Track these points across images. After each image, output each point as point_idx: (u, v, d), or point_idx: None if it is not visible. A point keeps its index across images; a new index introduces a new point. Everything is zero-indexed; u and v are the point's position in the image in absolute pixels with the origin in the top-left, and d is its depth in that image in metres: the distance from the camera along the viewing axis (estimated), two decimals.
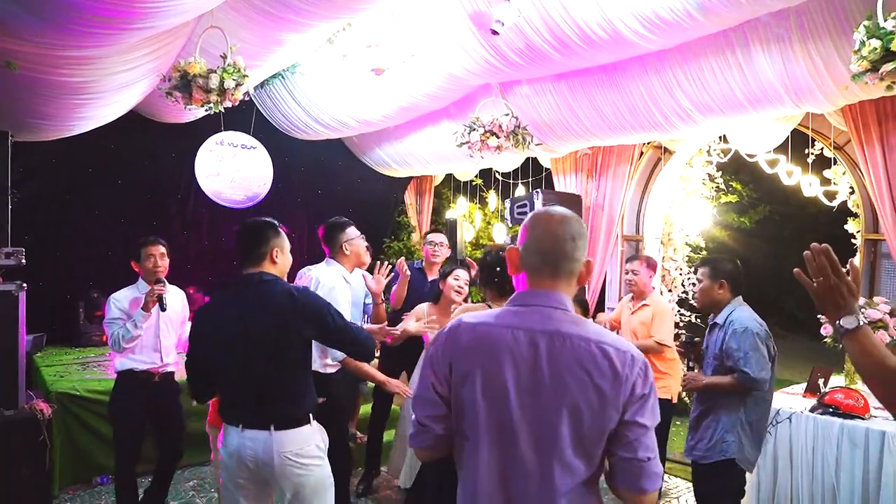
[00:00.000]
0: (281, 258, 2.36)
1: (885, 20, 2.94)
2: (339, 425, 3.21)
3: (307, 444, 2.24)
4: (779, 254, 11.44)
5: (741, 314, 2.89)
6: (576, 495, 1.39)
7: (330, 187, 7.92)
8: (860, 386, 3.44)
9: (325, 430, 2.38)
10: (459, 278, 3.65)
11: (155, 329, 3.48)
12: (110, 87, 4.27)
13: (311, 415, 2.30)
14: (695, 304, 4.67)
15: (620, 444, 1.38)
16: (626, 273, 3.85)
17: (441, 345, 1.50)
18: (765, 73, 3.90)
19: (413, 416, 1.54)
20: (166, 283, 3.49)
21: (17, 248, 3.33)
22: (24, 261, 3.38)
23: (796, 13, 3.61)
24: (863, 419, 3.07)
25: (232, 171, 6.39)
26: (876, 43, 2.94)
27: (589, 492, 1.41)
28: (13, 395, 3.27)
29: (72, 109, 4.55)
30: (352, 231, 3.40)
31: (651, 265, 4.17)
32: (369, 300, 3.73)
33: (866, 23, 3.01)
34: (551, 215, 1.53)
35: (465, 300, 3.73)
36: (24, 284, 3.33)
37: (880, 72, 2.98)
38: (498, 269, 2.79)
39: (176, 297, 3.62)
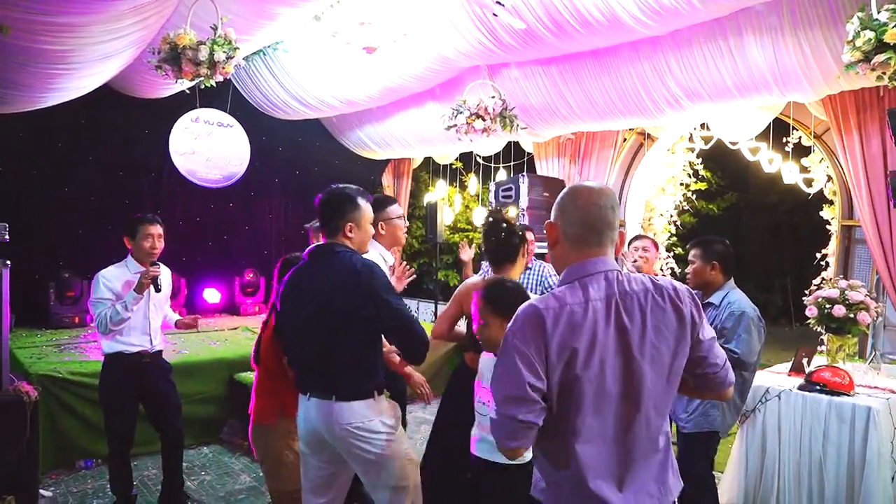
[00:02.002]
0: (356, 233, 2.31)
1: (879, 12, 3.04)
2: None
3: (370, 419, 2.19)
4: (741, 240, 11.81)
5: (738, 296, 2.99)
6: (665, 434, 1.54)
7: (307, 168, 7.80)
8: (842, 364, 3.59)
9: (397, 408, 2.33)
10: None
11: (144, 311, 3.35)
12: (91, 58, 4.09)
13: (376, 391, 2.25)
14: None
15: (700, 363, 1.55)
16: (636, 251, 3.85)
17: (529, 336, 1.42)
18: (755, 61, 4.00)
19: (507, 415, 1.42)
20: (159, 263, 3.37)
21: (0, 224, 3.16)
22: (7, 236, 3.21)
23: (789, 3, 3.70)
24: (848, 395, 3.21)
25: (207, 149, 6.19)
26: (869, 34, 3.03)
27: (667, 426, 1.56)
28: None
29: (46, 79, 4.33)
30: (393, 210, 3.18)
31: (656, 245, 4.23)
32: None
33: (860, 14, 3.10)
34: (591, 188, 1.56)
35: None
36: (8, 262, 3.17)
37: (872, 62, 3.08)
38: (496, 233, 2.77)
39: (166, 277, 3.51)
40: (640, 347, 1.45)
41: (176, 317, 3.62)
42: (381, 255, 3.12)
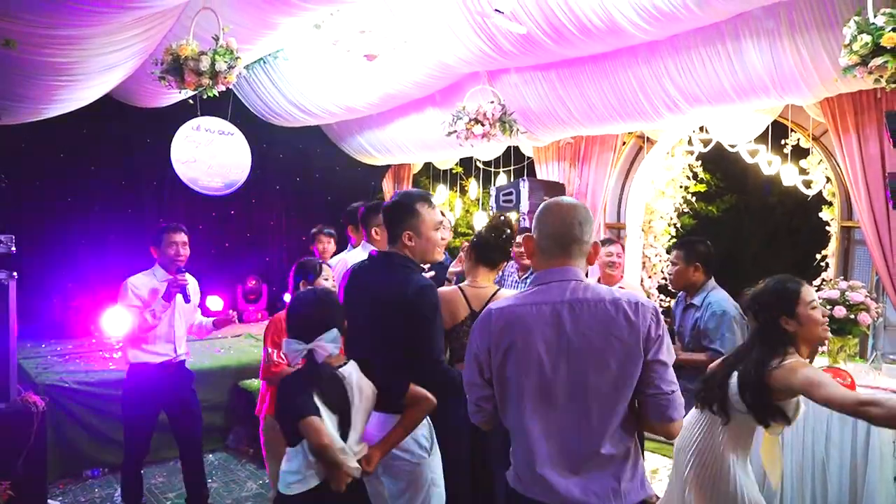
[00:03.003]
0: (416, 241, 2.23)
1: (875, 16, 3.07)
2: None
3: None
4: (741, 241, 11.84)
5: (718, 296, 3.04)
6: (616, 437, 1.57)
7: (308, 175, 7.83)
8: (843, 365, 3.62)
9: (432, 427, 2.25)
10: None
11: (170, 319, 3.39)
12: (94, 69, 4.13)
13: None
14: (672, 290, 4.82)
15: (646, 382, 1.57)
16: (609, 256, 3.88)
17: (478, 335, 1.70)
18: (753, 64, 4.03)
19: (467, 396, 1.77)
20: (185, 272, 3.42)
21: (6, 236, 3.19)
22: (14, 248, 3.24)
23: (786, 7, 3.74)
24: None
25: (209, 157, 6.21)
26: (866, 38, 3.07)
27: (626, 432, 1.59)
28: (6, 387, 3.15)
29: (50, 91, 4.37)
30: None
31: (623, 249, 4.28)
32: None
33: (857, 18, 3.13)
34: (560, 204, 1.72)
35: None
36: (15, 274, 3.20)
37: (869, 66, 3.11)
38: (493, 232, 2.78)
39: (193, 287, 3.55)
40: (582, 350, 1.56)
41: (209, 320, 3.65)
42: None
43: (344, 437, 1.91)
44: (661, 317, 1.61)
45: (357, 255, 3.29)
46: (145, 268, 3.49)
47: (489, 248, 2.75)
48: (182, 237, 3.45)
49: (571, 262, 1.65)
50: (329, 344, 1.95)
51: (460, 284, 2.79)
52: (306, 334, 1.96)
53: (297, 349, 1.95)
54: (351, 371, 2.02)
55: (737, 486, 2.12)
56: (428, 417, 2.21)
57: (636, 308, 1.57)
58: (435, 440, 2.26)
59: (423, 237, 2.25)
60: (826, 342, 2.30)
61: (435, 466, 2.25)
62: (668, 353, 1.60)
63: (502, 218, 2.87)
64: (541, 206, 1.75)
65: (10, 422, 3.18)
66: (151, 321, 3.22)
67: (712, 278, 3.13)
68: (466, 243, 4.95)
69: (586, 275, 1.73)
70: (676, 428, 1.63)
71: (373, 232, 3.30)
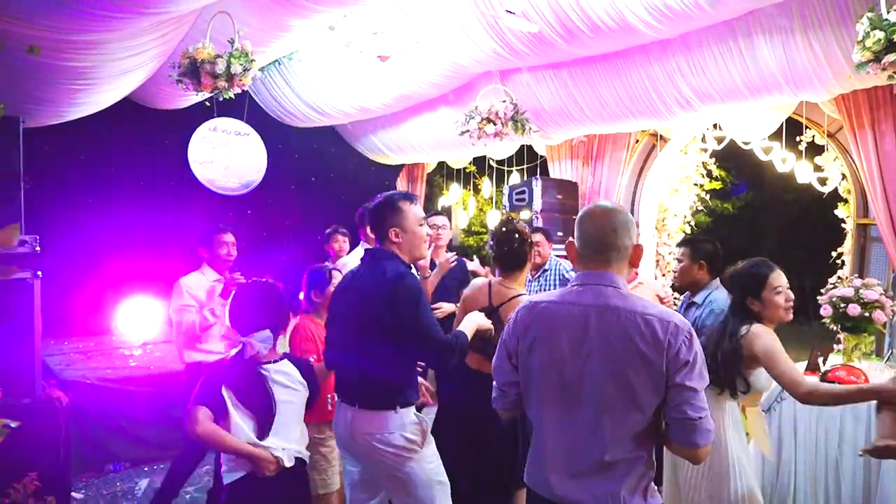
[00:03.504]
0: (403, 237, 2.28)
1: (888, 12, 3.06)
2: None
3: (390, 431, 2.17)
4: (758, 239, 11.74)
5: (720, 296, 3.01)
6: (624, 447, 1.56)
7: (323, 174, 7.91)
8: (857, 363, 3.60)
9: (424, 423, 2.27)
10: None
11: (223, 318, 3.47)
12: (113, 73, 4.22)
13: (399, 405, 2.19)
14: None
15: (672, 405, 1.55)
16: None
17: (512, 323, 1.76)
18: (766, 61, 4.02)
19: (494, 383, 1.82)
20: (238, 271, 3.54)
21: (31, 236, 3.28)
22: (38, 248, 3.34)
23: (798, 4, 3.72)
24: None
25: (225, 158, 6.30)
26: (879, 34, 3.06)
27: (636, 444, 1.57)
28: (31, 383, 3.25)
29: (70, 94, 4.47)
30: None
31: None
32: None
33: (870, 14, 3.12)
34: (596, 211, 1.74)
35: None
36: (39, 273, 3.30)
37: (883, 62, 3.10)
38: (505, 245, 2.82)
39: None
40: (602, 357, 1.57)
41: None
42: None
43: (263, 431, 2.02)
44: (697, 343, 1.57)
45: (356, 255, 3.38)
46: (164, 267, 3.59)
47: (505, 259, 2.83)
48: (231, 238, 3.59)
49: (610, 267, 1.66)
50: (259, 343, 2.05)
51: (492, 280, 2.88)
52: (242, 327, 2.08)
53: (234, 339, 2.09)
54: (280, 370, 2.11)
55: (730, 457, 2.34)
56: (414, 408, 2.26)
57: (667, 327, 1.54)
58: (427, 431, 2.27)
59: (408, 232, 2.30)
60: (785, 321, 2.43)
61: (431, 458, 2.26)
62: (699, 378, 1.55)
63: (506, 227, 2.87)
64: (581, 211, 1.78)
65: (36, 416, 3.26)
66: (212, 319, 3.31)
67: (717, 279, 3.12)
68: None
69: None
70: (701, 454, 1.59)
71: (368, 230, 3.42)
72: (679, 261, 3.19)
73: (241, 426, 2.00)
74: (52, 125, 5.22)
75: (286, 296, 2.28)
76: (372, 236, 3.50)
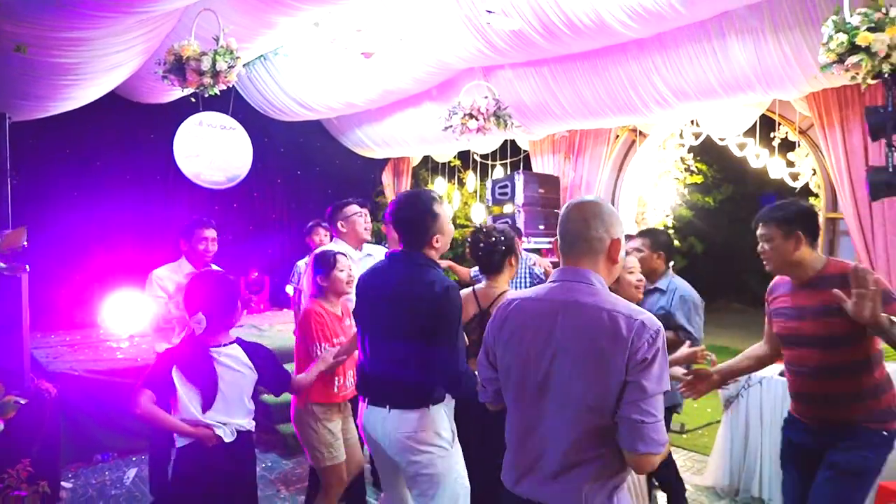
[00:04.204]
0: (442, 240, 2.28)
1: (851, 16, 3.18)
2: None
3: (424, 430, 2.18)
4: (740, 232, 11.95)
5: (682, 283, 3.28)
6: (584, 445, 1.52)
7: (309, 168, 7.97)
8: None
9: (452, 421, 2.28)
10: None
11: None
12: (100, 69, 4.26)
13: (432, 403, 2.21)
14: None
15: (622, 402, 1.47)
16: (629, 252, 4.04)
17: (490, 320, 1.77)
18: (738, 61, 4.15)
19: (479, 376, 1.85)
20: (212, 266, 3.51)
21: (18, 229, 3.33)
22: (25, 242, 3.38)
23: (769, 6, 3.85)
24: None
25: (211, 152, 6.31)
26: (842, 37, 3.18)
27: (597, 443, 1.52)
28: (20, 375, 3.31)
29: (57, 90, 4.50)
30: (349, 209, 3.49)
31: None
32: None
33: (834, 18, 3.25)
34: (571, 204, 1.71)
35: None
36: (27, 266, 3.35)
37: (846, 63, 3.23)
38: (481, 245, 2.84)
39: None
40: (566, 353, 1.54)
41: None
42: (347, 254, 3.33)
43: (206, 406, 2.25)
44: (662, 343, 1.49)
45: (327, 248, 3.42)
46: (150, 260, 3.61)
47: (482, 263, 2.87)
48: (212, 233, 3.50)
49: (582, 261, 1.62)
50: (193, 324, 2.29)
51: (474, 287, 2.92)
52: (192, 312, 2.32)
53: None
54: (228, 353, 2.33)
55: None
56: (449, 411, 2.29)
57: (632, 324, 1.48)
58: (455, 434, 2.30)
59: (445, 234, 2.30)
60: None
61: (459, 459, 2.30)
62: (656, 380, 1.47)
63: (478, 233, 2.90)
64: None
65: (25, 408, 3.33)
66: (175, 312, 3.32)
67: (670, 266, 3.37)
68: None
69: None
70: (643, 462, 1.47)
71: (339, 226, 3.47)
72: (638, 251, 3.36)
73: (187, 403, 2.25)
74: (37, 119, 5.24)
75: (237, 287, 2.44)
76: (345, 230, 3.54)
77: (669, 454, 3.40)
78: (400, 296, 2.18)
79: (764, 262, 2.33)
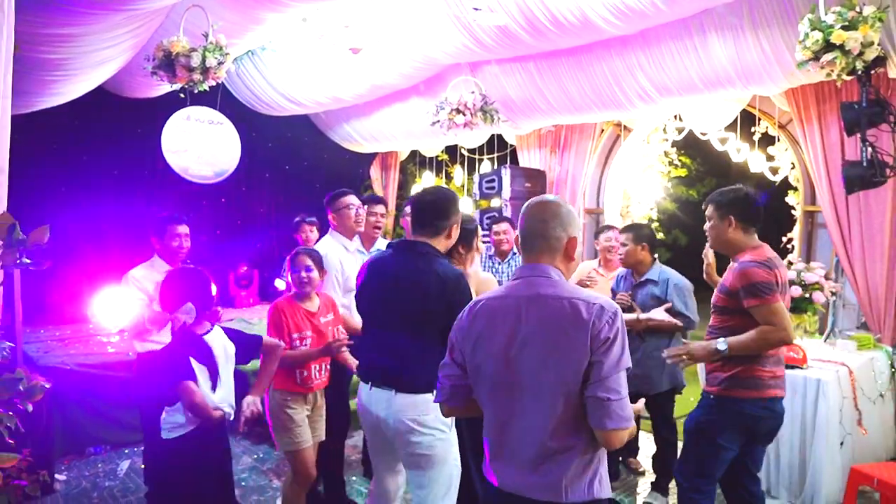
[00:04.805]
0: (454, 233, 2.39)
1: (826, 14, 3.29)
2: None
3: (427, 413, 2.25)
4: None
5: (672, 272, 3.49)
6: (562, 432, 1.58)
7: (297, 163, 7.98)
8: (799, 340, 3.88)
9: None
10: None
11: None
12: (88, 64, 4.28)
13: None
14: None
15: (588, 383, 1.55)
16: (608, 241, 4.12)
17: (456, 322, 1.80)
18: (718, 57, 4.25)
19: (440, 375, 1.84)
20: (189, 263, 3.42)
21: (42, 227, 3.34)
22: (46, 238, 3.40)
23: (748, 4, 3.94)
24: (801, 369, 3.50)
25: (199, 147, 6.33)
26: (818, 35, 3.29)
27: (574, 429, 1.58)
28: (13, 369, 3.34)
29: (46, 86, 4.52)
30: (340, 201, 3.50)
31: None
32: None
33: (810, 16, 3.35)
34: (530, 203, 1.79)
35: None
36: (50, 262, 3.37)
37: (821, 61, 3.34)
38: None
39: None
40: (534, 344, 1.60)
41: None
42: (341, 244, 3.40)
43: (214, 388, 2.44)
44: (621, 323, 1.58)
45: (324, 242, 3.47)
46: (139, 255, 3.53)
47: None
48: (185, 229, 3.41)
49: (542, 258, 1.70)
50: (182, 315, 2.44)
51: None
52: (170, 307, 2.47)
53: (163, 319, 2.53)
54: (214, 337, 2.50)
55: None
56: None
57: (591, 308, 1.57)
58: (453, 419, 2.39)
59: (456, 232, 2.42)
60: None
61: (454, 442, 2.39)
62: (617, 359, 1.55)
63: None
64: None
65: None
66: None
67: (655, 257, 3.51)
68: None
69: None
70: (612, 437, 1.54)
71: (331, 217, 3.52)
72: (623, 245, 3.50)
73: (204, 388, 2.42)
74: (24, 114, 5.23)
75: (209, 279, 2.58)
76: (339, 220, 3.58)
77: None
78: (409, 285, 2.25)
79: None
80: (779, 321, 2.38)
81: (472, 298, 2.25)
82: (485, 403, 1.73)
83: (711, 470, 2.56)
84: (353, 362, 2.95)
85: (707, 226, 2.64)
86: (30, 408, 2.05)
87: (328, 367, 3.06)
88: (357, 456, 4.26)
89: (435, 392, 1.85)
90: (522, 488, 1.62)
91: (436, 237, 2.33)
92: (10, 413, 2.02)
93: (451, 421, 2.35)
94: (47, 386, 2.20)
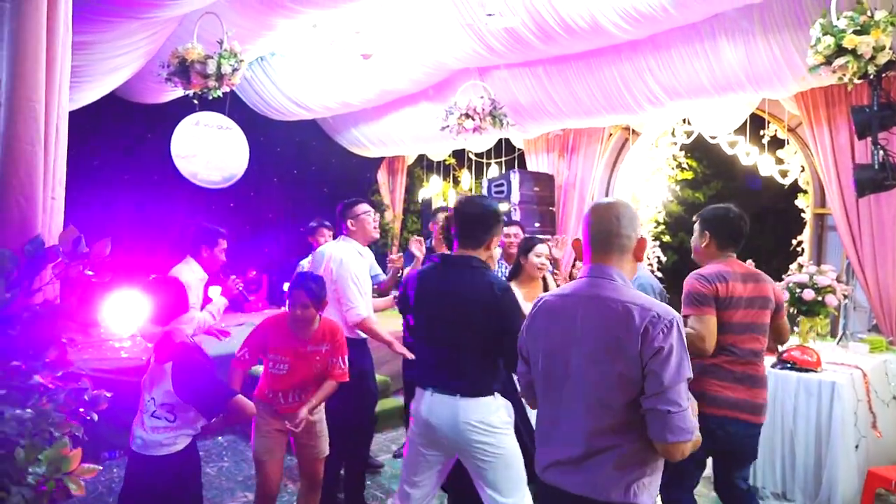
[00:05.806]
0: (495, 245, 2.46)
1: (838, 19, 3.30)
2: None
3: (490, 414, 2.33)
4: None
5: (645, 272, 3.50)
6: (607, 434, 1.59)
7: (305, 167, 8.02)
8: (811, 343, 3.89)
9: (510, 406, 2.44)
10: (541, 255, 3.40)
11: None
12: (102, 71, 4.31)
13: (497, 390, 2.39)
14: (660, 276, 5.07)
15: (645, 394, 1.54)
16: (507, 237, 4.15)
17: (525, 320, 1.89)
18: (729, 62, 4.26)
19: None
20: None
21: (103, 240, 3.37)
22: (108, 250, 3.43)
23: (759, 8, 3.96)
24: (816, 372, 3.51)
25: (208, 152, 6.37)
26: (829, 40, 3.30)
27: (620, 432, 1.58)
28: None
29: None
30: (358, 208, 3.57)
31: (522, 229, 4.52)
32: (375, 271, 3.90)
33: (821, 21, 3.36)
34: (599, 204, 1.81)
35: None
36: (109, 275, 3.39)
37: (833, 65, 3.35)
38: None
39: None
40: (586, 344, 1.63)
41: (222, 300, 3.85)
42: (356, 251, 3.43)
43: None
44: (679, 332, 1.55)
45: (338, 246, 3.51)
46: (150, 259, 3.63)
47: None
48: (226, 244, 3.66)
49: (611, 257, 1.70)
50: (185, 325, 2.49)
51: None
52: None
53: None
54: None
55: None
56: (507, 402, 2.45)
57: (647, 314, 1.55)
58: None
59: (497, 242, 2.49)
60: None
61: (514, 435, 2.45)
62: (675, 370, 1.52)
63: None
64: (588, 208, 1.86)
65: None
66: (211, 319, 3.40)
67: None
68: (416, 238, 5.05)
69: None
70: (674, 450, 1.52)
71: (348, 224, 3.54)
72: None
73: None
74: None
75: (182, 287, 2.63)
76: (346, 226, 3.62)
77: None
78: (464, 298, 2.35)
79: None
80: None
81: (519, 308, 2.39)
82: (539, 398, 1.80)
83: (689, 483, 2.65)
84: (410, 355, 3.13)
85: (692, 238, 2.79)
86: (95, 417, 2.10)
87: (303, 397, 2.98)
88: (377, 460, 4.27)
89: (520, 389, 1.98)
90: (565, 484, 1.66)
91: (478, 249, 2.42)
92: (76, 423, 2.03)
93: (511, 419, 2.43)
94: (109, 395, 2.23)
